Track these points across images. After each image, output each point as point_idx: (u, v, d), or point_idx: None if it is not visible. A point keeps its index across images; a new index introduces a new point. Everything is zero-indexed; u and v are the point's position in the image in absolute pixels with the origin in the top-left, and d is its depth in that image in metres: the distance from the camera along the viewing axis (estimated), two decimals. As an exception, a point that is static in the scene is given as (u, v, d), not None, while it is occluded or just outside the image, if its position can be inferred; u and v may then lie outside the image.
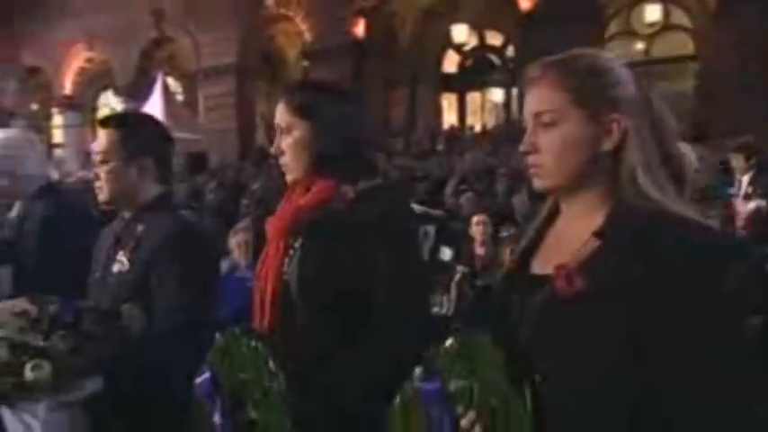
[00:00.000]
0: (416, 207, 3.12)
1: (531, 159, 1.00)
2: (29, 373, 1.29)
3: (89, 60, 18.17)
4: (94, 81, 18.75)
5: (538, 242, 1.07)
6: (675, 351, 0.85)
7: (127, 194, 1.65)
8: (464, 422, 0.90)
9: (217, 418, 1.19)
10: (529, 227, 1.10)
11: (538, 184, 1.01)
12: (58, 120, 20.46)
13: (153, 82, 14.36)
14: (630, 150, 0.95)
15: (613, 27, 12.65)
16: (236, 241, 3.83)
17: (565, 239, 1.00)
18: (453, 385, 0.92)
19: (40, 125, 21.02)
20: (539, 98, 0.99)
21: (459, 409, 0.91)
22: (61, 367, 1.31)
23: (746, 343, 0.89)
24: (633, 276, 0.86)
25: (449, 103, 15.57)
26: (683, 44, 12.36)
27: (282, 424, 1.15)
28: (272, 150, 1.39)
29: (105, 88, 18.86)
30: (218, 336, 1.27)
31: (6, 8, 18.26)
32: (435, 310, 2.87)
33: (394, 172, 8.72)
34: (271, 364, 1.18)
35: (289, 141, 1.35)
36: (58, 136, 20.91)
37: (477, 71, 14.53)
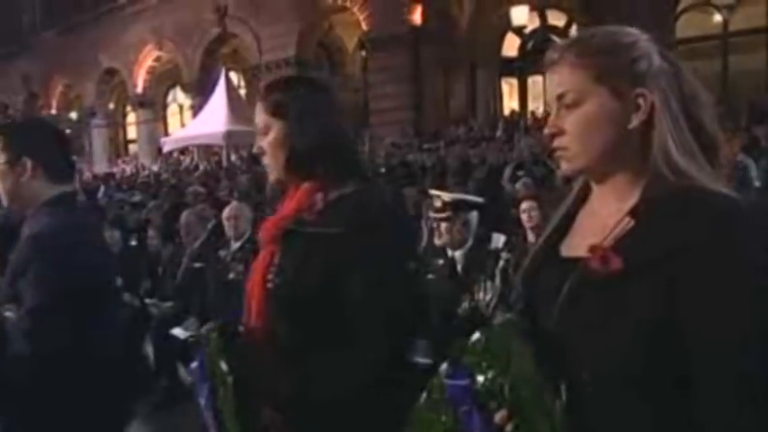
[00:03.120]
0: (445, 195, 3.05)
1: (556, 142, 0.97)
2: None
3: (157, 59, 18.94)
4: (164, 79, 19.55)
5: (568, 225, 1.03)
6: (711, 332, 0.82)
7: (18, 196, 1.67)
8: (497, 418, 0.88)
9: (202, 401, 1.28)
10: (558, 209, 1.06)
11: (565, 167, 0.98)
12: (132, 117, 21.52)
13: (217, 78, 14.83)
14: (660, 125, 0.91)
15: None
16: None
17: (597, 221, 0.97)
18: (482, 381, 0.90)
19: (117, 122, 22.28)
20: (560, 80, 0.96)
21: (493, 405, 0.89)
22: None
23: None
24: (669, 256, 0.84)
25: (510, 88, 15.24)
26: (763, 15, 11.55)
27: (232, 425, 1.22)
28: (254, 151, 1.39)
29: (173, 85, 19.65)
30: (209, 325, 1.34)
31: (88, 12, 19.34)
32: (480, 296, 2.82)
33: (454, 160, 8.63)
34: (223, 364, 1.23)
35: (267, 141, 1.36)
36: (132, 132, 22.04)
37: (538, 54, 14.11)
